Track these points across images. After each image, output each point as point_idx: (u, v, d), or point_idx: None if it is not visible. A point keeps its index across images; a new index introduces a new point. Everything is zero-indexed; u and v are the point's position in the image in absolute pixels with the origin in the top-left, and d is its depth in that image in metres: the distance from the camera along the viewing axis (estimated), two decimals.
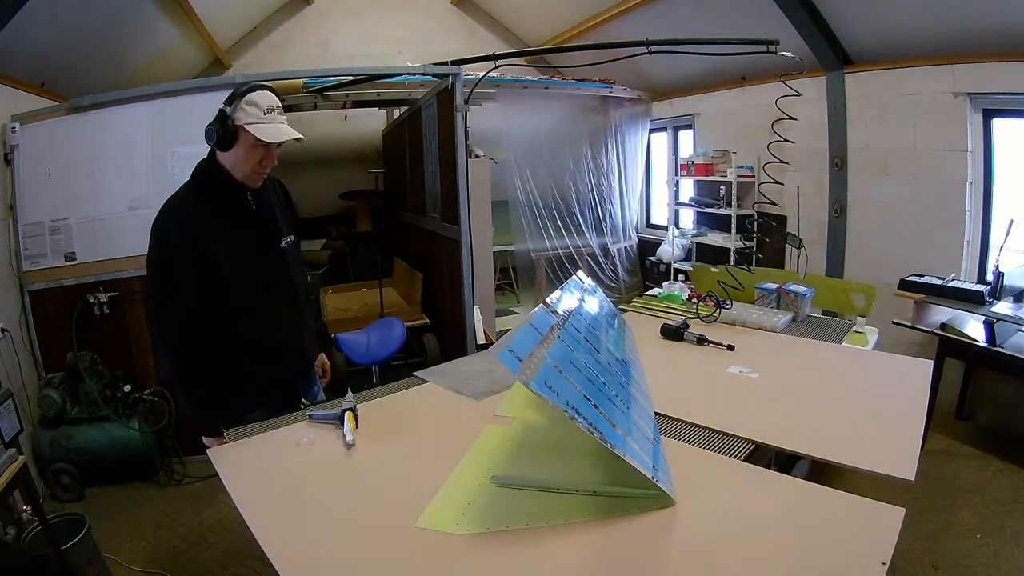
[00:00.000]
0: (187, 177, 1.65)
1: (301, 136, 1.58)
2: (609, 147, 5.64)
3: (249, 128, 1.49)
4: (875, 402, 1.55)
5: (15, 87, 3.09)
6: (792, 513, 1.08)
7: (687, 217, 5.52)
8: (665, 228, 5.67)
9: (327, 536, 1.05)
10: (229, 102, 1.52)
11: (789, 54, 2.65)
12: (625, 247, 5.87)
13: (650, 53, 3.00)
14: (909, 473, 1.17)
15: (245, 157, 1.55)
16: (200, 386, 1.54)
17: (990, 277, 2.97)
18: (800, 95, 2.70)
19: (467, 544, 1.01)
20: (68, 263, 3.02)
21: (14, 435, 2.06)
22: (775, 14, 3.53)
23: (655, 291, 2.75)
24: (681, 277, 4.93)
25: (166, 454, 3.08)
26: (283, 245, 1.72)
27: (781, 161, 3.04)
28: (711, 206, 4.91)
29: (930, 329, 2.97)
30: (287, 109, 1.67)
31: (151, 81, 3.75)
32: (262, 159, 1.57)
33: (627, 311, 2.47)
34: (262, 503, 1.14)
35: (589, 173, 5.57)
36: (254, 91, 1.51)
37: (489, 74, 3.65)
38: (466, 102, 3.39)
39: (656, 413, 1.50)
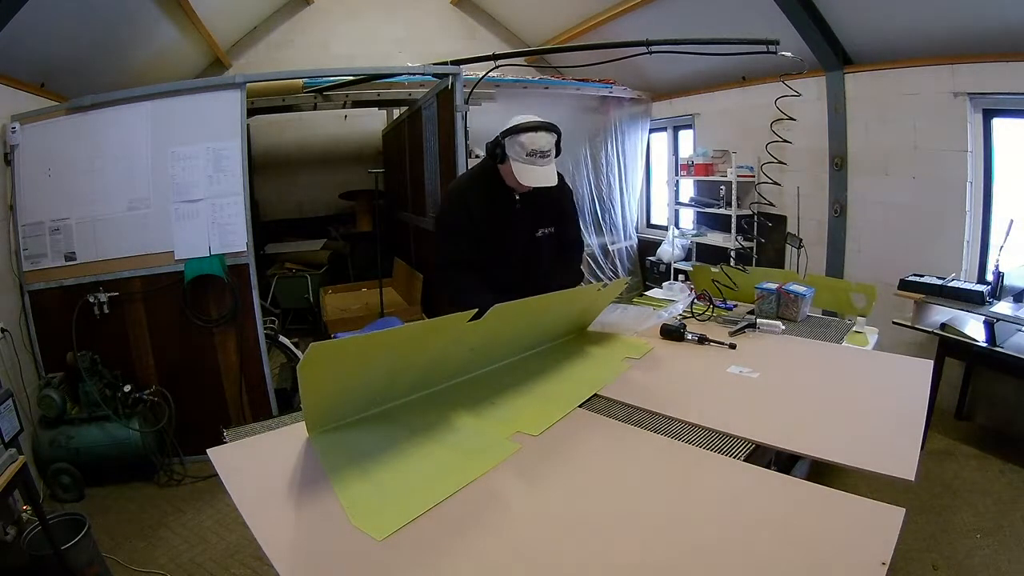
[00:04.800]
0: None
1: (552, 184, 1.91)
2: (609, 147, 5.64)
3: (511, 163, 1.87)
4: (875, 402, 1.55)
5: (15, 87, 3.09)
6: (792, 513, 1.08)
7: (687, 217, 5.52)
8: (665, 228, 5.67)
9: (327, 535, 1.05)
10: (507, 134, 1.87)
11: (789, 54, 2.65)
12: (625, 247, 5.87)
13: (650, 53, 3.01)
14: (909, 473, 1.17)
15: (509, 175, 1.92)
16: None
17: (990, 277, 2.97)
18: (800, 95, 2.70)
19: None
20: (68, 263, 3.02)
21: (14, 435, 2.05)
22: (775, 14, 3.53)
23: (655, 291, 2.75)
24: (681, 277, 4.92)
25: (166, 454, 3.08)
26: (539, 235, 2.10)
27: (779, 162, 3.05)
28: (711, 206, 4.90)
29: (930, 329, 2.97)
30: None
31: (151, 81, 3.74)
32: (518, 182, 1.90)
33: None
34: (262, 503, 1.14)
35: (589, 173, 5.56)
36: (528, 132, 1.84)
37: (489, 74, 3.65)
38: (466, 102, 3.39)
39: (656, 413, 1.50)
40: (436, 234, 2.13)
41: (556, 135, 1.92)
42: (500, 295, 1.72)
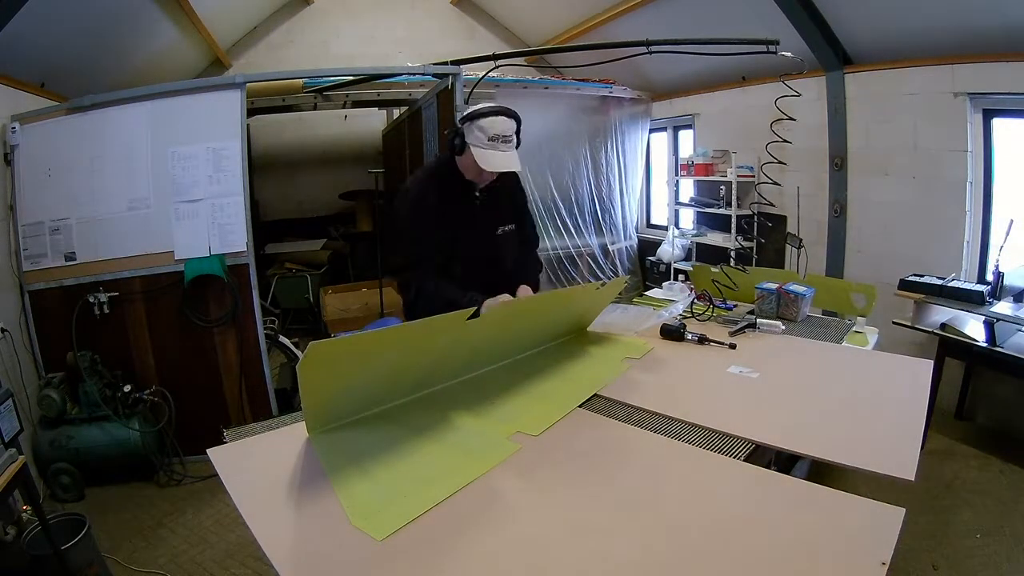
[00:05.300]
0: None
1: (516, 169, 1.85)
2: (609, 147, 5.64)
3: (472, 149, 1.77)
4: (875, 402, 1.55)
5: (15, 87, 3.09)
6: (792, 513, 1.08)
7: (687, 217, 5.52)
8: (665, 228, 5.67)
9: (327, 535, 1.05)
10: (465, 120, 1.80)
11: (789, 54, 2.65)
12: (625, 247, 5.86)
13: (650, 53, 3.01)
14: (909, 473, 1.17)
15: (470, 166, 1.83)
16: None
17: (990, 277, 2.97)
18: (800, 95, 2.70)
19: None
20: (68, 263, 3.01)
21: (14, 435, 2.05)
22: (775, 14, 3.53)
23: (655, 291, 2.76)
24: (681, 277, 4.92)
25: (166, 454, 3.08)
26: (500, 233, 2.00)
27: (780, 162, 3.05)
28: (711, 206, 4.90)
29: (930, 329, 2.97)
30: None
31: (151, 81, 3.75)
32: (481, 172, 1.82)
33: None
34: (262, 503, 1.14)
35: (589, 173, 5.56)
36: (488, 116, 1.77)
37: (489, 74, 3.65)
38: (466, 102, 3.39)
39: (656, 413, 1.50)
40: (399, 234, 1.92)
41: (517, 122, 1.83)
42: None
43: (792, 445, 1.32)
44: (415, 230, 1.88)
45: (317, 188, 6.38)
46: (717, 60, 3.46)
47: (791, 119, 2.79)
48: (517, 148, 1.87)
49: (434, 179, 1.92)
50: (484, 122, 1.75)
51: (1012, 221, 2.95)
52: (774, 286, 2.39)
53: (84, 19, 3.32)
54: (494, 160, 1.77)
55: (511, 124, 1.80)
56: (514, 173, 2.01)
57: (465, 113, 1.80)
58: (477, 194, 1.93)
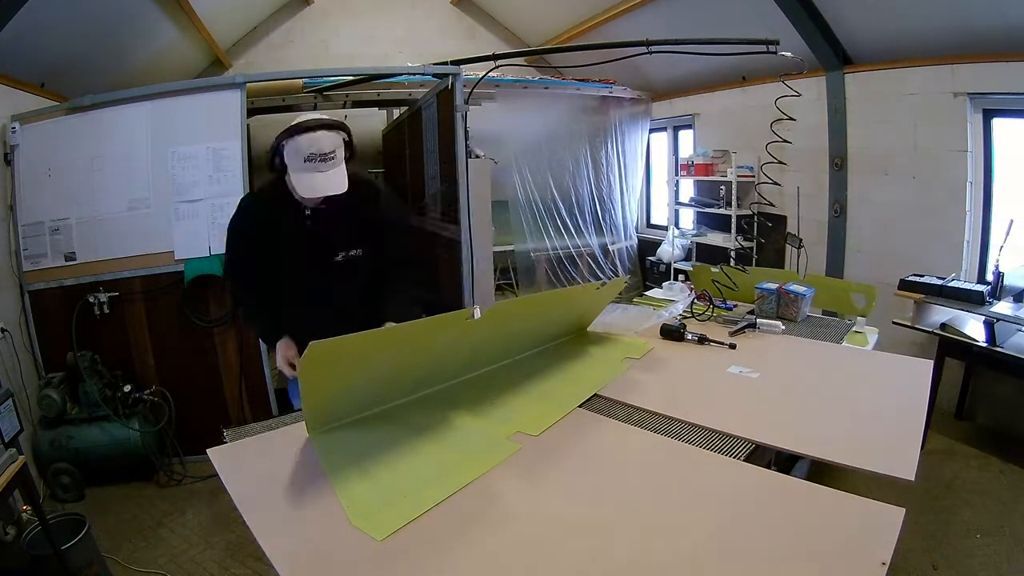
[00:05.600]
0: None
1: (338, 192, 1.60)
2: (609, 147, 5.64)
3: (290, 173, 1.59)
4: (875, 402, 1.55)
5: (15, 87, 3.09)
6: (792, 513, 1.08)
7: (687, 217, 5.52)
8: (665, 228, 5.67)
9: (327, 535, 1.05)
10: (283, 136, 1.59)
11: (789, 54, 2.64)
12: (625, 247, 5.86)
13: (650, 53, 3.00)
14: (909, 473, 1.17)
15: (295, 186, 1.63)
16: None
17: (990, 277, 2.97)
18: (800, 95, 2.70)
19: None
20: (68, 263, 3.02)
21: (14, 435, 2.06)
22: (775, 14, 3.53)
23: (655, 291, 2.76)
24: (681, 277, 4.92)
25: (166, 454, 3.08)
26: (339, 259, 1.75)
27: (779, 162, 3.05)
28: (711, 206, 4.90)
29: (930, 329, 2.97)
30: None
31: (151, 81, 3.74)
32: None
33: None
34: (262, 503, 1.14)
35: (589, 173, 5.56)
36: (301, 134, 1.55)
37: (489, 74, 3.65)
38: (466, 102, 3.39)
39: (656, 413, 1.50)
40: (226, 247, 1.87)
41: (344, 133, 1.63)
42: (300, 332, 1.60)
43: (792, 445, 1.32)
44: (230, 251, 1.84)
45: None
46: (717, 60, 3.46)
47: (791, 119, 2.79)
48: (352, 158, 1.66)
49: (264, 193, 1.78)
50: (301, 139, 1.54)
51: (1012, 221, 2.95)
52: (774, 286, 2.39)
53: (84, 19, 3.32)
54: (313, 183, 1.56)
55: (335, 138, 1.58)
56: (375, 188, 1.83)
57: (285, 128, 1.60)
58: (308, 212, 1.70)
